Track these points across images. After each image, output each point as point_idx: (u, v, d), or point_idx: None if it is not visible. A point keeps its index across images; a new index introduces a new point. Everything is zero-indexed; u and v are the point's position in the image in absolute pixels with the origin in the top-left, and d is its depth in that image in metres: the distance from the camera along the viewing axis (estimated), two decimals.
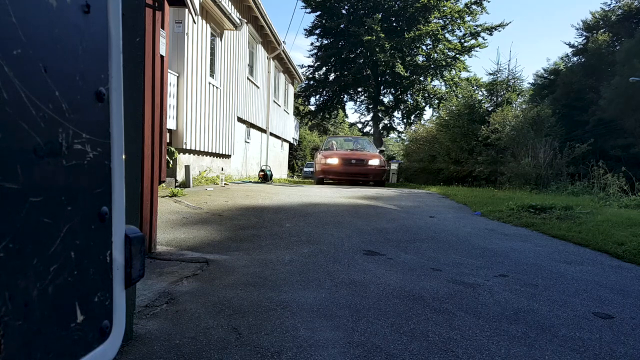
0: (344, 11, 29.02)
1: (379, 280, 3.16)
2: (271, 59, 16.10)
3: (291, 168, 30.26)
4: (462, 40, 28.79)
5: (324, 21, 29.16)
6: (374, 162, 13.24)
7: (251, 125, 14.45)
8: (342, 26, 28.06)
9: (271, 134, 17.06)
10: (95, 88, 0.62)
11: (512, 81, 18.51)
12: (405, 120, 31.94)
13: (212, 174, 10.41)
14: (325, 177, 13.18)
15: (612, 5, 30.63)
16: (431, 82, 29.76)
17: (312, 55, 30.70)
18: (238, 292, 2.74)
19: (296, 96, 28.70)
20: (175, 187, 7.98)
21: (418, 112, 31.17)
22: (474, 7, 27.97)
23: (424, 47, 28.80)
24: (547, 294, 3.08)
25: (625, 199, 8.90)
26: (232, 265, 3.33)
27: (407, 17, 28.14)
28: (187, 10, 7.06)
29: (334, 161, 13.08)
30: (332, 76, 30.94)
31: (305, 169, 28.31)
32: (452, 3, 27.96)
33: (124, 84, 0.69)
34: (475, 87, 22.23)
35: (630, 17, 29.19)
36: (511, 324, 2.49)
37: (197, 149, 9.50)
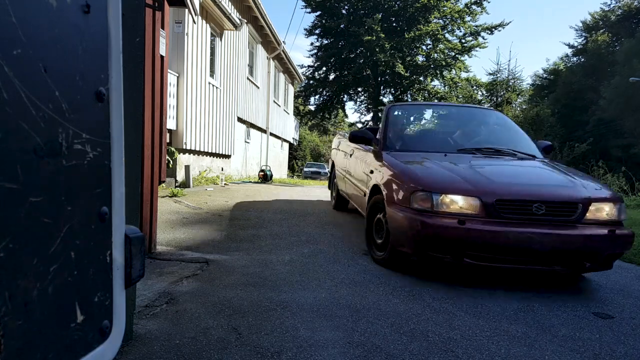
0: (344, 11, 29.02)
1: (379, 280, 3.16)
2: (271, 59, 16.10)
3: (291, 168, 30.26)
4: (462, 40, 28.80)
5: (324, 21, 29.16)
6: (603, 209, 3.20)
7: (251, 125, 14.45)
8: (342, 26, 28.06)
9: (271, 134, 17.06)
10: (95, 88, 0.62)
11: (512, 81, 18.53)
12: None
13: (212, 174, 10.41)
14: (442, 255, 3.10)
15: (611, 6, 30.64)
16: (431, 82, 29.77)
17: (312, 55, 30.70)
18: (238, 292, 2.74)
19: (296, 96, 28.70)
20: (175, 187, 7.98)
21: None
22: (474, 7, 27.98)
23: (424, 47, 28.81)
24: (547, 293, 3.08)
25: (625, 199, 8.90)
26: (232, 265, 3.33)
27: (407, 17, 28.14)
28: (187, 10, 7.05)
29: (469, 204, 3.09)
30: (332, 76, 30.94)
31: (305, 169, 28.27)
32: (452, 3, 27.96)
33: (124, 84, 0.69)
34: (475, 87, 22.23)
35: (630, 17, 29.19)
36: (511, 324, 2.49)
37: (197, 149, 9.50)
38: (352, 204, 5.43)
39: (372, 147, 4.46)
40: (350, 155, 5.24)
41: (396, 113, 5.17)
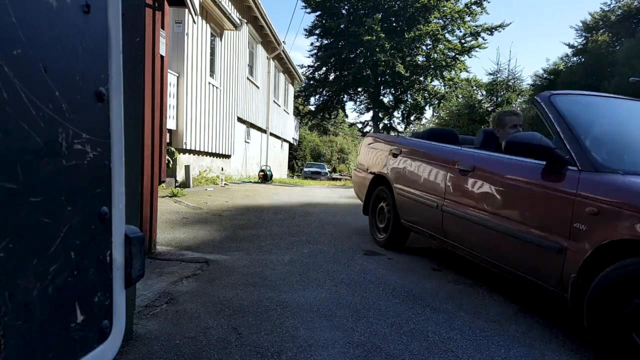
0: (344, 11, 29.04)
1: (379, 280, 3.16)
2: (271, 59, 16.10)
3: (291, 168, 30.26)
4: (462, 41, 28.82)
5: (324, 21, 29.18)
6: None
7: (251, 125, 14.45)
8: (342, 26, 28.09)
9: (271, 134, 17.06)
10: (95, 88, 0.62)
11: (512, 81, 18.53)
12: (405, 120, 31.99)
13: (212, 174, 10.41)
14: None
15: (611, 6, 30.65)
16: (431, 82, 29.79)
17: (312, 55, 30.73)
18: (238, 292, 2.74)
19: (296, 96, 28.70)
20: (175, 187, 7.98)
21: (418, 112, 31.20)
22: (474, 7, 28.00)
23: (424, 47, 28.83)
24: None
25: None
26: (232, 265, 3.33)
27: (407, 17, 28.16)
28: (187, 10, 7.06)
29: None
30: (332, 76, 30.97)
31: (305, 169, 28.31)
32: (452, 3, 27.98)
33: (124, 84, 0.69)
34: (475, 88, 22.24)
35: (630, 17, 29.20)
36: (511, 324, 2.49)
37: (197, 149, 9.50)
38: (460, 249, 3.23)
39: (544, 163, 2.53)
40: (464, 173, 3.16)
41: (578, 108, 2.89)
